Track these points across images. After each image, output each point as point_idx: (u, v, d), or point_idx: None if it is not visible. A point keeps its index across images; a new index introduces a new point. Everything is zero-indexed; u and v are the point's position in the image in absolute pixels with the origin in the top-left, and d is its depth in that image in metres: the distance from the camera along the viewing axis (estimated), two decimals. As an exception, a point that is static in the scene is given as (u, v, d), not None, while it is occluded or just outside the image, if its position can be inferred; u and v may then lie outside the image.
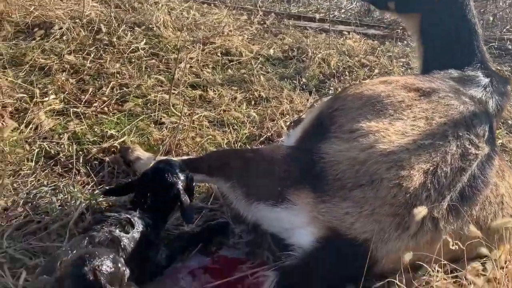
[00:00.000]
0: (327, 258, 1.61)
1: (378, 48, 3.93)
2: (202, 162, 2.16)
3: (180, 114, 2.66)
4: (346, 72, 3.49)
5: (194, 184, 1.95)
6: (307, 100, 3.14)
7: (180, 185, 1.83)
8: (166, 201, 1.81)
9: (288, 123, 2.75)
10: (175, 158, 2.29)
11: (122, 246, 1.59)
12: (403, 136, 1.71)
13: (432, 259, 1.55)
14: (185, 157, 2.29)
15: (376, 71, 3.51)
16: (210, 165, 2.08)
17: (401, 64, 3.75)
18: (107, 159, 2.39)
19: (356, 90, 1.97)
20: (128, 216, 1.71)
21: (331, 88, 3.28)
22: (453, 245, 1.51)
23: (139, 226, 1.69)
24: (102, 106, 2.85)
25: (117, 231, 1.62)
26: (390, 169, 1.61)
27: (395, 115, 1.79)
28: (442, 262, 1.54)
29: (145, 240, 1.68)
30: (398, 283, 1.49)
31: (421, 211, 1.50)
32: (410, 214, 1.54)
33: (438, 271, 1.57)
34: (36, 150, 2.38)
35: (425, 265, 1.55)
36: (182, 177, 1.87)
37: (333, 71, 3.49)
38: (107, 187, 2.14)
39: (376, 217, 1.58)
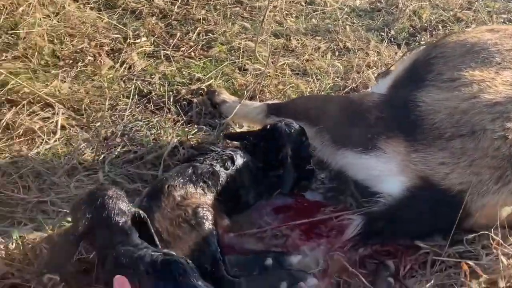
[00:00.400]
0: (416, 208, 1.59)
1: (476, 3, 3.63)
2: (289, 106, 2.18)
3: (264, 62, 2.67)
4: (439, 27, 3.28)
5: (310, 151, 1.90)
6: (396, 53, 3.02)
7: (289, 152, 1.82)
8: (272, 160, 1.85)
9: (376, 74, 2.67)
10: (259, 103, 2.32)
11: (220, 181, 1.68)
12: (511, 86, 1.60)
13: (532, 216, 1.48)
14: (270, 102, 2.31)
15: (473, 26, 3.27)
16: (297, 109, 2.09)
17: (502, 20, 3.45)
18: (195, 100, 2.48)
19: (458, 38, 1.86)
20: (232, 153, 1.78)
21: (422, 42, 3.11)
22: (559, 205, 1.42)
23: (239, 165, 1.76)
24: (189, 51, 2.93)
25: (218, 166, 1.71)
26: (495, 120, 1.53)
27: (502, 64, 1.67)
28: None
29: (240, 181, 1.75)
30: (493, 236, 1.44)
31: (526, 165, 1.42)
32: (513, 168, 1.47)
33: (538, 229, 1.50)
34: (131, 88, 2.51)
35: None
36: (296, 143, 1.85)
37: (425, 24, 3.30)
38: (232, 132, 2.23)
39: (475, 169, 1.52)
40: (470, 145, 1.53)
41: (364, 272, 1.58)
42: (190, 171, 1.62)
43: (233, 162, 1.75)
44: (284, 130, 1.83)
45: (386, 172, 1.69)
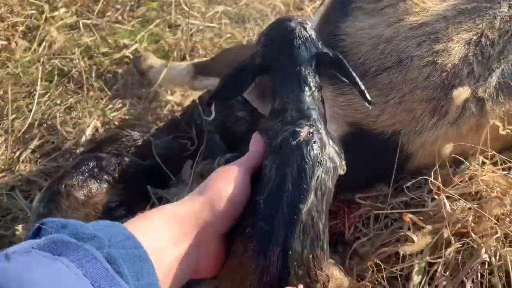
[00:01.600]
0: (350, 158, 1.38)
1: None
2: (214, 63, 1.94)
3: (197, 14, 2.40)
4: None
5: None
6: (340, -21, 2.70)
7: (208, 127, 1.57)
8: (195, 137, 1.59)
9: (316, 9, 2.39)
10: (186, 63, 2.09)
11: (130, 171, 1.46)
12: (440, 1, 1.34)
13: (478, 150, 1.27)
14: (196, 61, 2.07)
15: None
16: (223, 65, 1.85)
17: None
18: (120, 71, 2.24)
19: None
20: (151, 138, 1.56)
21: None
22: (503, 130, 1.21)
23: (158, 149, 1.53)
24: (116, 15, 2.65)
25: (130, 154, 1.49)
26: (421, 44, 1.29)
27: (431, -27, 1.40)
28: (489, 153, 1.26)
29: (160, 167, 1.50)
30: (433, 180, 1.25)
31: (462, 92, 1.20)
32: (448, 97, 1.25)
33: (483, 162, 1.30)
34: (49, 69, 2.27)
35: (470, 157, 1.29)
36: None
37: None
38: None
39: (406, 105, 1.30)
40: (397, 78, 1.30)
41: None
42: (91, 164, 1.41)
43: (150, 147, 1.54)
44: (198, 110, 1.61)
45: (316, 123, 1.48)
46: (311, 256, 0.88)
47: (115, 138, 1.58)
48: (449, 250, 1.13)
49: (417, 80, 1.28)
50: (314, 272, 0.89)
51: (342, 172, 1.07)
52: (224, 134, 1.56)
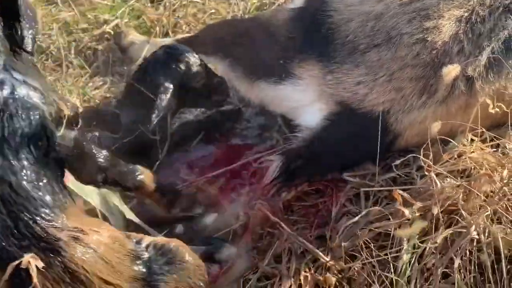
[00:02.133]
0: (337, 138, 1.38)
1: None
2: (197, 39, 1.89)
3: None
4: None
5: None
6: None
7: (167, 86, 1.56)
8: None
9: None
10: (168, 39, 2.03)
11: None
12: (431, -24, 1.32)
13: (467, 128, 1.27)
14: (179, 37, 2.02)
15: None
16: (206, 42, 1.80)
17: None
18: (100, 47, 2.17)
19: None
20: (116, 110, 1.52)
21: None
22: (493, 108, 1.21)
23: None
24: (95, -12, 2.55)
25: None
26: (411, 21, 1.27)
27: None
28: (478, 130, 1.26)
29: None
30: (423, 158, 1.24)
31: (451, 70, 1.18)
32: (438, 75, 1.24)
33: (472, 140, 1.30)
34: (26, 45, 2.18)
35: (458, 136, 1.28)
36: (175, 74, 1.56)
37: None
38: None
39: (395, 83, 1.28)
40: (387, 56, 1.28)
41: (292, 218, 1.41)
42: None
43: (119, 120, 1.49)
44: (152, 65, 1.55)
45: (304, 102, 1.46)
46: (29, 221, 0.78)
47: (85, 114, 1.55)
48: (440, 237, 1.13)
49: (406, 58, 1.27)
50: (44, 233, 0.79)
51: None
52: (180, 90, 1.54)
